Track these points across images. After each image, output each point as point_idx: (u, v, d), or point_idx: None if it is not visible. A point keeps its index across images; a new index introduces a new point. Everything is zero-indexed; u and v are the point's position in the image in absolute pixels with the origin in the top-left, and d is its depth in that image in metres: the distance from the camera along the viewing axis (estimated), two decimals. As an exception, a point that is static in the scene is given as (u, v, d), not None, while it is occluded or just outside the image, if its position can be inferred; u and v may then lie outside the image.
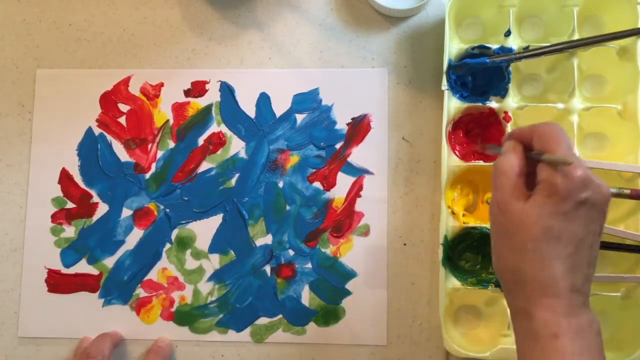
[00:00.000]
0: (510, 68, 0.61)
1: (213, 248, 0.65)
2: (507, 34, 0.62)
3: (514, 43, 0.62)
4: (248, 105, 0.66)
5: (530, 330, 0.42)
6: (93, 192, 0.66)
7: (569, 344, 0.41)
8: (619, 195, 0.58)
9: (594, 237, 0.43)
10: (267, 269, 0.64)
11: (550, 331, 0.41)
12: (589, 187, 0.42)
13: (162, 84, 0.67)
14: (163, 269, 0.65)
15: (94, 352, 0.60)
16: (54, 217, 0.65)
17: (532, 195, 0.43)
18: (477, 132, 0.63)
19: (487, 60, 0.61)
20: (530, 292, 0.42)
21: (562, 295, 0.42)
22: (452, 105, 0.61)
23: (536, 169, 0.44)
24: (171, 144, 0.66)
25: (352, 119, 0.65)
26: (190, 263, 0.65)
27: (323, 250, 0.64)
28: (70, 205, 0.66)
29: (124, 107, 0.67)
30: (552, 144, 0.43)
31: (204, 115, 0.66)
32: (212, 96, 0.66)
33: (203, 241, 0.65)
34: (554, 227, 0.42)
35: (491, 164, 0.61)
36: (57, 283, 0.65)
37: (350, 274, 0.64)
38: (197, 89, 0.66)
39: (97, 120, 0.67)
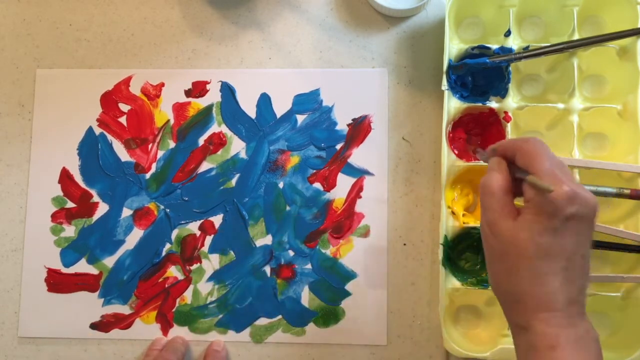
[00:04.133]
0: (510, 68, 0.61)
1: (213, 248, 0.65)
2: (507, 34, 0.62)
3: (514, 43, 0.62)
4: (249, 106, 0.66)
5: (529, 344, 0.43)
6: (93, 192, 0.66)
7: (567, 355, 0.42)
8: (619, 195, 0.58)
9: (585, 249, 0.43)
10: (267, 269, 0.64)
11: (549, 343, 0.42)
12: (575, 202, 0.42)
13: (162, 84, 0.67)
14: (163, 269, 0.65)
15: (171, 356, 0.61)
16: (54, 217, 0.65)
17: (521, 214, 0.43)
18: (477, 132, 0.63)
19: (487, 60, 0.61)
20: (528, 309, 0.43)
21: (558, 308, 0.42)
22: (452, 105, 0.61)
23: (522, 186, 0.44)
24: (172, 144, 0.66)
25: (352, 119, 0.65)
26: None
27: (323, 251, 0.64)
28: (70, 204, 0.66)
29: (124, 107, 0.67)
30: (535, 164, 0.43)
31: (205, 116, 0.66)
32: (213, 96, 0.66)
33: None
34: (545, 244, 0.42)
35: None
36: (57, 283, 0.65)
37: (350, 275, 0.63)
38: (198, 89, 0.66)
39: (97, 120, 0.67)
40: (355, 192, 0.64)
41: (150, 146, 0.66)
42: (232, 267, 0.64)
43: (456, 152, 0.62)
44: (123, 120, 0.67)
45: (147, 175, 0.66)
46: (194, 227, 0.65)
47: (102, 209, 0.65)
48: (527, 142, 0.45)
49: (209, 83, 0.67)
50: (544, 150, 0.44)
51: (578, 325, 0.43)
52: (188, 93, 0.67)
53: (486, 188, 0.45)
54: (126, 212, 0.65)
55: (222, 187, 0.65)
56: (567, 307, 0.42)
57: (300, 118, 0.66)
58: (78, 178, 0.66)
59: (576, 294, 0.43)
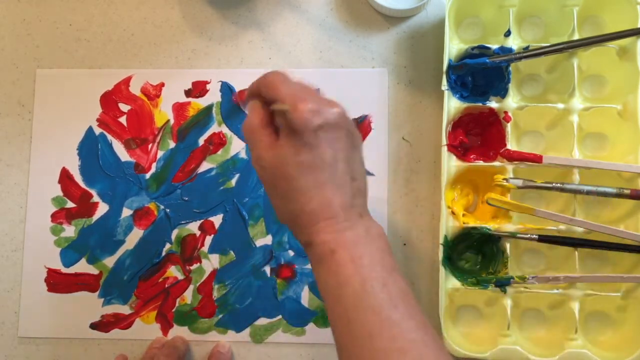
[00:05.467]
0: (510, 68, 0.61)
1: (213, 248, 0.65)
2: (507, 34, 0.62)
3: (514, 43, 0.62)
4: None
5: (315, 257, 0.45)
6: (93, 192, 0.66)
7: (347, 254, 0.44)
8: (619, 195, 0.58)
9: (345, 154, 0.46)
10: (267, 269, 0.64)
11: (329, 248, 0.44)
12: (319, 114, 0.44)
13: (162, 84, 0.67)
14: (163, 269, 0.65)
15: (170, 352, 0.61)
16: (54, 217, 0.65)
17: (278, 141, 0.46)
18: (477, 132, 0.63)
19: (487, 60, 0.61)
20: (307, 224, 0.45)
21: (333, 215, 0.45)
22: (452, 105, 0.61)
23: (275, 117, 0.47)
24: (172, 144, 0.66)
25: (352, 119, 0.65)
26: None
27: (323, 250, 0.64)
28: (70, 204, 0.66)
29: (124, 107, 0.67)
30: (276, 92, 0.46)
31: (205, 115, 0.66)
32: (213, 96, 0.66)
33: (203, 241, 0.65)
34: (305, 161, 0.44)
35: (492, 164, 0.61)
36: (57, 283, 0.65)
37: (350, 274, 0.63)
38: (198, 89, 0.66)
39: (97, 120, 0.67)
40: (355, 192, 0.64)
41: (150, 146, 0.66)
42: (232, 267, 0.64)
43: (456, 152, 0.62)
44: (123, 120, 0.67)
45: (147, 175, 0.66)
46: (194, 227, 0.65)
47: (102, 209, 0.65)
48: (266, 75, 0.47)
49: (209, 83, 0.67)
50: (282, 78, 0.46)
51: (357, 226, 0.45)
52: (188, 93, 0.67)
53: (246, 128, 0.47)
54: (126, 212, 0.65)
55: (222, 187, 0.65)
56: (342, 212, 0.45)
57: (300, 118, 0.66)
58: (78, 178, 0.66)
59: (350, 197, 0.46)
